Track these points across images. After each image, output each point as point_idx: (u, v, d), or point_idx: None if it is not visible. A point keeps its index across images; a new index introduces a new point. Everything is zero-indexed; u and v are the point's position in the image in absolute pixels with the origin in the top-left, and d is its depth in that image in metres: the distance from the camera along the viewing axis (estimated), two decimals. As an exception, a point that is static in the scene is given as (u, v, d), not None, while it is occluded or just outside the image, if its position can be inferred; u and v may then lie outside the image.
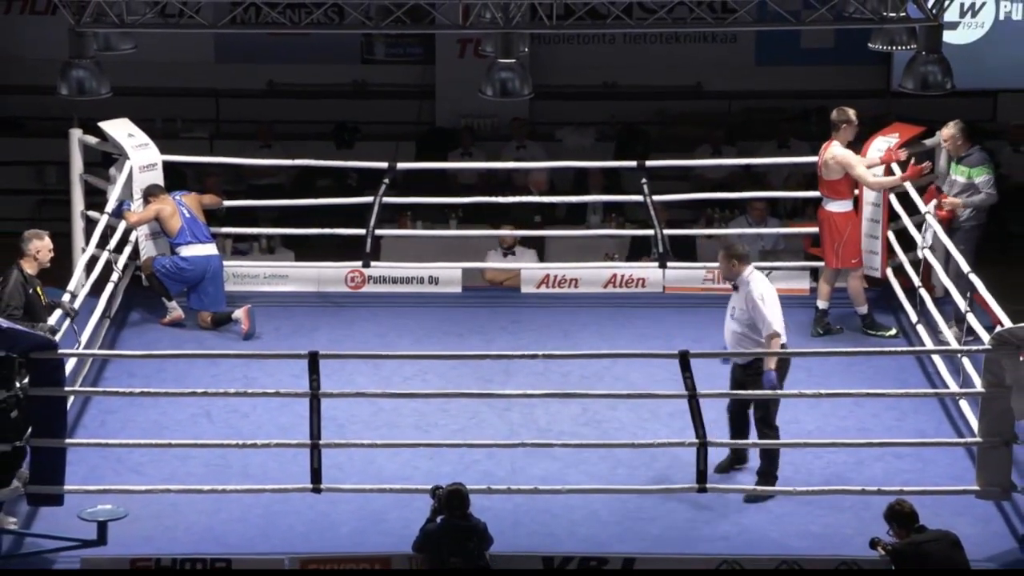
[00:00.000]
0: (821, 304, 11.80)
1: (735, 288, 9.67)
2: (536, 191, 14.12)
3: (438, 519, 8.62)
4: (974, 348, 9.61)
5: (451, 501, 8.58)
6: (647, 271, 12.58)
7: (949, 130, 11.74)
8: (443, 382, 10.82)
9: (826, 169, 11.63)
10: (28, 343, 8.86)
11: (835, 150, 11.57)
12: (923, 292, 11.45)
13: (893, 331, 11.69)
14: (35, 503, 9.17)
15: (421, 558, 8.63)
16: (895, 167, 11.73)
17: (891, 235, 12.07)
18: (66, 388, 9.11)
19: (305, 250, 13.55)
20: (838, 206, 11.66)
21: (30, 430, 9.00)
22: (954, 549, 8.41)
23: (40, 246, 9.93)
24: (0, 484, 8.97)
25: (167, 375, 10.85)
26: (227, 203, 12.79)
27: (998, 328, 9.31)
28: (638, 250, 13.47)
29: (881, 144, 11.88)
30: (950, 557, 8.36)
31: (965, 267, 10.76)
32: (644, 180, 12.46)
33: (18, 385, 8.92)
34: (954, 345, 10.75)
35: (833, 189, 11.66)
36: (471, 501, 8.66)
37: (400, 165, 12.87)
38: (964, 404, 10.18)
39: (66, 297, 10.38)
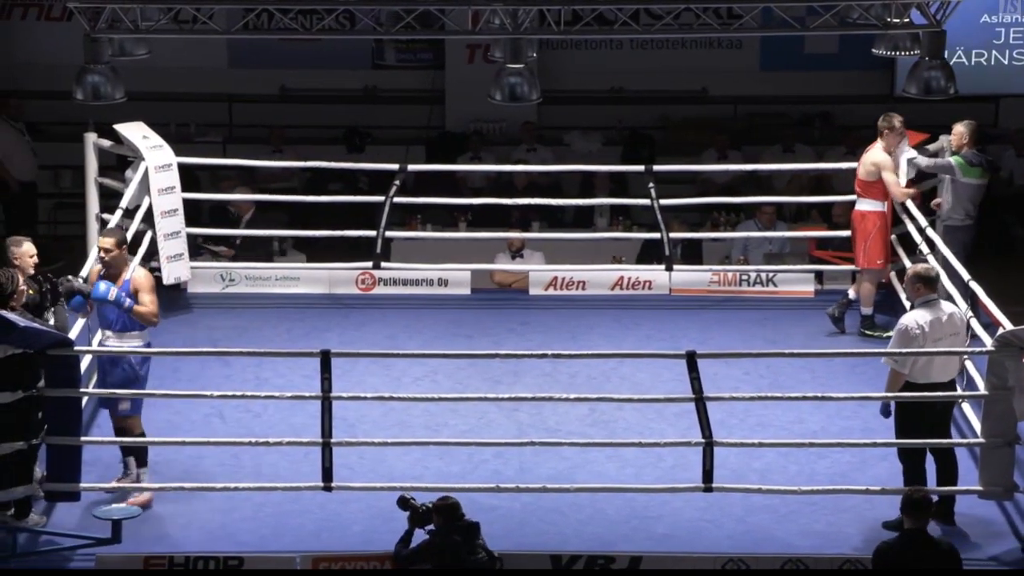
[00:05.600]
0: (852, 294, 11.93)
1: None
2: (519, 186, 14.36)
3: (427, 527, 8.48)
4: (977, 350, 9.64)
5: (451, 513, 8.46)
6: (654, 274, 12.70)
7: (959, 127, 11.88)
8: (452, 382, 10.95)
9: (863, 170, 11.75)
10: (45, 340, 8.97)
11: (875, 154, 11.69)
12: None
13: (890, 333, 11.78)
14: (52, 499, 9.28)
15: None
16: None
17: (894, 239, 12.21)
18: (81, 389, 9.20)
19: (316, 252, 13.66)
20: (870, 205, 11.78)
21: (45, 428, 9.11)
22: (939, 559, 8.11)
23: (20, 252, 9.61)
24: (20, 482, 9.08)
25: (181, 375, 10.95)
26: (241, 197, 13.01)
27: (1000, 330, 9.40)
28: (647, 254, 13.58)
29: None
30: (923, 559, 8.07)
31: (966, 275, 10.86)
32: (651, 184, 12.59)
33: (35, 387, 9.04)
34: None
35: (867, 190, 11.77)
36: (477, 500, 8.77)
37: (410, 167, 13.01)
38: (966, 405, 10.26)
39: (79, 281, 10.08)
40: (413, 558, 8.50)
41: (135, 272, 9.62)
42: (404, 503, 8.58)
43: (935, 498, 9.29)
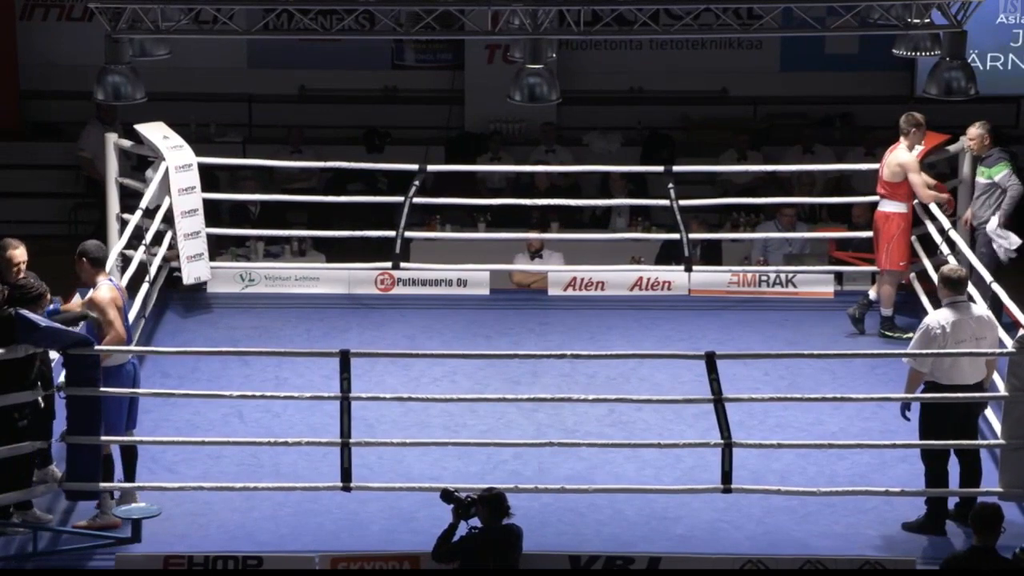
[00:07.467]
0: (872, 295, 11.94)
1: None
2: (540, 187, 14.37)
3: (468, 524, 8.41)
4: (998, 351, 9.59)
5: (498, 505, 8.38)
6: (673, 274, 12.70)
7: (976, 130, 11.85)
8: (471, 383, 10.96)
9: (888, 171, 11.72)
10: (66, 340, 9.01)
11: (900, 155, 11.66)
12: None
13: (910, 334, 11.76)
14: (72, 499, 9.32)
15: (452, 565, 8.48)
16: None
17: (914, 240, 12.18)
18: (102, 388, 9.25)
19: (336, 252, 13.69)
20: (894, 206, 11.75)
21: (67, 427, 9.14)
22: None
23: (5, 257, 9.42)
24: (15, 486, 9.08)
25: (201, 375, 10.98)
26: (261, 197, 13.02)
27: (1022, 332, 9.37)
28: (666, 254, 13.57)
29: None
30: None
31: (987, 276, 10.83)
32: (671, 185, 12.59)
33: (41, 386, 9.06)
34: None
35: (891, 191, 11.75)
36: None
37: (430, 168, 13.03)
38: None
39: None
40: (449, 555, 8.43)
41: (96, 291, 9.25)
42: (448, 496, 8.48)
43: (975, 507, 9.16)
